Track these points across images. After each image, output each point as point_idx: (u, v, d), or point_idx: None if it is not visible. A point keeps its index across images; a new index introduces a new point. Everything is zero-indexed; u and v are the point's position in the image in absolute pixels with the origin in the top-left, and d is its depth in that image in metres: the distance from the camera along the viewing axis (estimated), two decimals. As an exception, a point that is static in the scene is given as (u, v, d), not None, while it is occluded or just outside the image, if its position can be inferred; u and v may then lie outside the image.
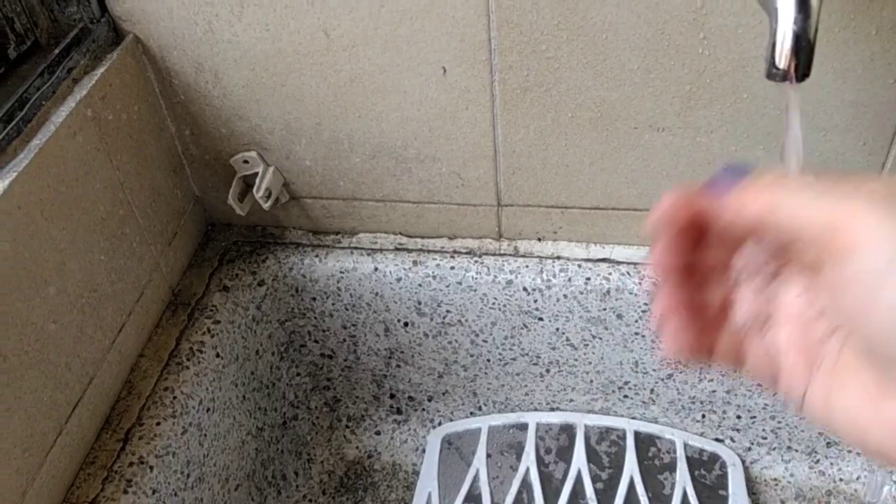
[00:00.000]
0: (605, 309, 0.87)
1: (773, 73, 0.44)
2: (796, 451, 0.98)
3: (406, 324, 0.94)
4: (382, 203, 0.88)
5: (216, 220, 0.95)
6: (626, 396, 0.96)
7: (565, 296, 0.87)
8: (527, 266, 0.87)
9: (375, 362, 1.00)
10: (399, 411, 1.06)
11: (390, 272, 0.90)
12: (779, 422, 0.95)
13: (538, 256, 0.88)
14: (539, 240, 0.89)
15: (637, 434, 0.97)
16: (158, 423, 0.76)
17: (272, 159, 0.86)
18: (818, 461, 0.98)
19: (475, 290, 0.89)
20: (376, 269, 0.90)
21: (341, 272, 0.91)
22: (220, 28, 0.75)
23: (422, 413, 1.05)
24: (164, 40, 0.77)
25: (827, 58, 0.68)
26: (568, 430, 0.98)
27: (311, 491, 1.02)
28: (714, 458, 0.95)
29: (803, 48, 0.43)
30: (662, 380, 0.93)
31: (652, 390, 0.95)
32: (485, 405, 1.02)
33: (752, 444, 0.98)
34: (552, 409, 1.00)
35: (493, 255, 0.89)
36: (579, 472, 0.94)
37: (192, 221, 0.91)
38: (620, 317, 0.87)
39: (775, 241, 0.33)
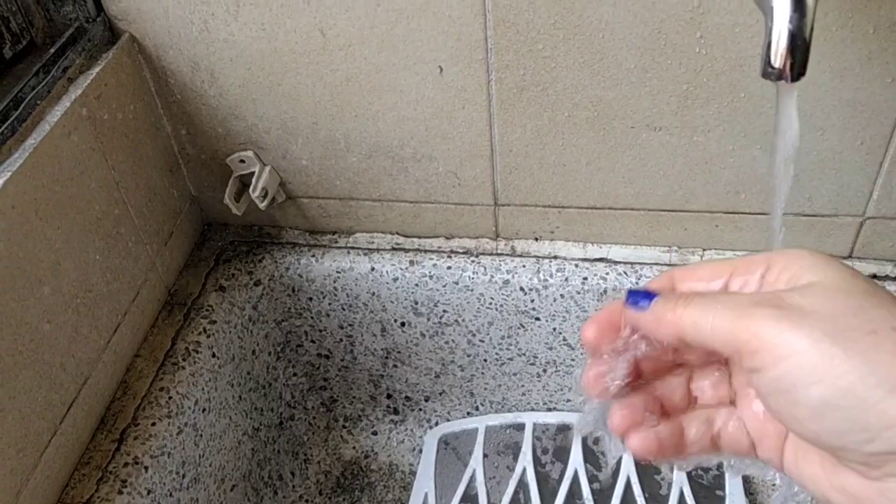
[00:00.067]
0: (602, 309, 0.87)
1: (768, 72, 0.44)
2: (794, 451, 0.97)
3: (403, 324, 0.94)
4: (379, 203, 0.88)
5: (213, 220, 0.95)
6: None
7: (562, 295, 0.87)
8: (524, 266, 0.87)
9: (372, 362, 1.00)
10: (396, 411, 1.06)
11: (387, 272, 0.90)
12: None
13: (535, 256, 0.88)
14: (536, 239, 0.88)
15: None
16: (154, 424, 0.76)
17: (268, 159, 0.86)
18: (816, 461, 0.98)
19: (472, 290, 0.89)
20: (373, 268, 0.90)
21: (338, 272, 0.91)
22: (215, 27, 0.75)
23: (419, 413, 1.05)
24: (160, 39, 0.77)
25: (824, 56, 0.68)
26: (565, 431, 0.98)
27: (308, 491, 1.02)
28: (711, 458, 0.95)
29: (799, 47, 0.43)
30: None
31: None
32: (482, 405, 1.02)
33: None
34: (549, 410, 1.00)
35: (490, 254, 0.89)
36: (576, 473, 0.94)
37: (188, 221, 0.91)
38: (617, 317, 0.87)
39: (699, 350, 0.35)
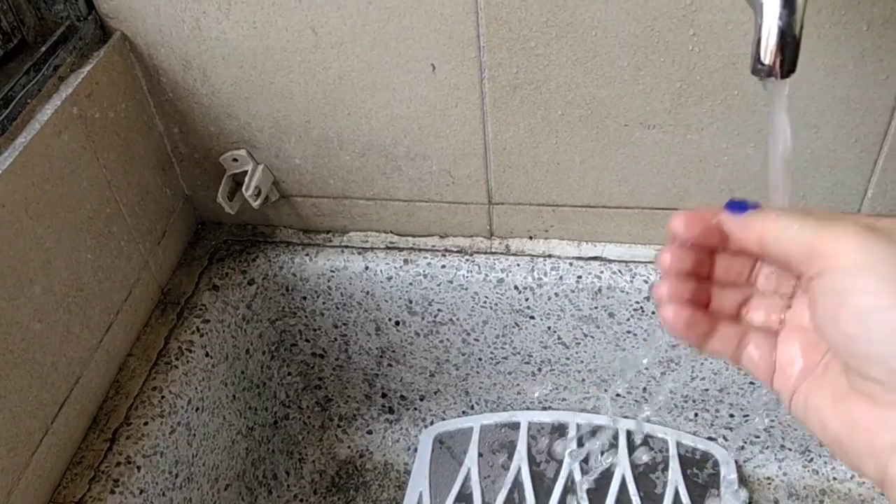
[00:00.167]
0: (596, 307, 0.87)
1: (758, 69, 0.44)
2: (789, 449, 0.97)
3: (397, 323, 0.94)
4: (373, 201, 0.88)
5: (206, 219, 0.95)
6: (618, 395, 0.96)
7: (557, 294, 0.86)
8: (518, 264, 0.87)
9: (367, 361, 1.00)
10: (391, 410, 1.05)
11: (381, 271, 0.89)
12: (772, 420, 0.94)
13: (529, 255, 0.88)
14: (530, 238, 0.88)
15: (629, 433, 0.97)
16: (146, 423, 0.76)
17: (261, 157, 0.85)
18: (812, 460, 0.98)
19: (466, 289, 0.88)
20: (367, 267, 0.89)
21: (332, 271, 0.91)
22: (207, 25, 0.75)
23: (413, 412, 1.05)
24: (152, 38, 0.77)
25: (818, 54, 0.68)
26: (560, 429, 0.98)
27: (303, 490, 1.01)
28: (706, 456, 0.95)
29: (788, 44, 0.43)
30: (655, 378, 0.93)
31: (644, 389, 0.94)
32: (477, 404, 1.02)
33: (745, 442, 0.97)
34: (544, 408, 1.00)
35: (485, 253, 0.88)
36: (571, 472, 0.94)
37: (181, 220, 0.91)
38: (612, 315, 0.87)
39: (777, 263, 0.38)
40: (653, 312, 0.85)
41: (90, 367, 0.75)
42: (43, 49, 0.72)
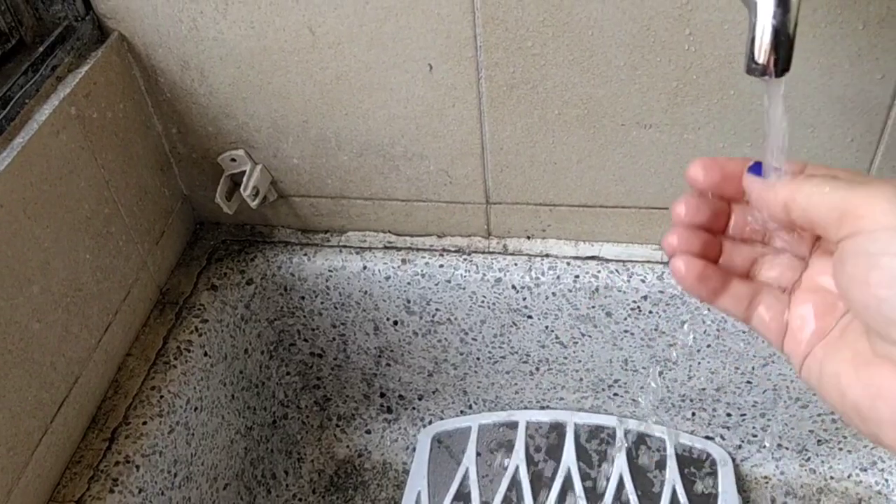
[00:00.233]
0: (593, 307, 0.87)
1: (752, 68, 0.44)
2: (787, 448, 0.98)
3: (395, 322, 0.94)
4: (371, 201, 0.88)
5: (204, 219, 0.95)
6: (615, 394, 0.96)
7: (554, 294, 0.87)
8: (515, 264, 0.87)
9: (365, 361, 1.00)
10: (389, 410, 1.06)
11: (379, 270, 0.90)
12: (769, 419, 0.94)
13: (527, 254, 0.88)
14: (528, 237, 0.88)
15: (627, 432, 0.97)
16: (145, 423, 0.76)
17: (259, 157, 0.85)
18: (809, 459, 0.98)
19: (464, 289, 0.89)
20: (365, 267, 0.90)
21: (330, 271, 0.91)
22: (204, 25, 0.75)
23: (412, 412, 1.05)
24: (149, 38, 0.77)
25: (813, 53, 0.68)
26: (558, 429, 0.98)
27: (301, 490, 1.01)
28: (704, 455, 0.95)
29: (782, 43, 0.43)
30: (653, 378, 0.93)
31: (642, 388, 0.94)
32: (475, 404, 1.02)
33: (743, 441, 0.98)
34: (542, 408, 1.00)
35: (482, 253, 0.89)
36: (569, 471, 0.94)
37: (179, 220, 0.91)
38: (609, 314, 0.87)
39: (801, 224, 0.37)
40: (650, 312, 0.86)
41: (89, 367, 0.75)
42: (41, 49, 0.72)
